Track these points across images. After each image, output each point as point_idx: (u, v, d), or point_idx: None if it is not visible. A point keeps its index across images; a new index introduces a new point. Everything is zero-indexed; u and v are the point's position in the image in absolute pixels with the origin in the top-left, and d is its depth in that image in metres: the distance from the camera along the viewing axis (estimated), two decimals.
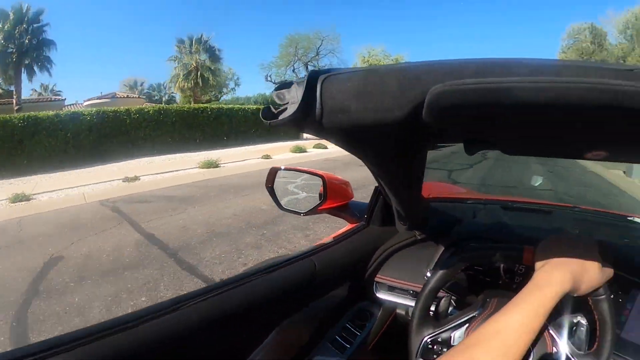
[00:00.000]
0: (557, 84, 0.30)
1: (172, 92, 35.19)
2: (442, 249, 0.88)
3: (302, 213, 1.05)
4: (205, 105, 16.40)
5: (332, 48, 29.39)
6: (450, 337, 0.67)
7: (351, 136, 0.43)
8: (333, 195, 1.03)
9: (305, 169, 1.11)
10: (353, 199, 1.10)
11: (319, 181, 1.08)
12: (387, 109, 0.35)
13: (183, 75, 24.96)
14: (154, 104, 16.97)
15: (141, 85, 40.30)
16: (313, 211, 1.03)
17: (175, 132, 12.56)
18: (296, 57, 28.96)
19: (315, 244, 0.96)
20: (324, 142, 10.42)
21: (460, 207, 1.12)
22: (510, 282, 0.80)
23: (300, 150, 12.20)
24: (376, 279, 0.94)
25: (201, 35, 25.87)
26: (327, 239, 0.97)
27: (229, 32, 63.77)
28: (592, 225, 1.05)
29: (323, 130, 0.38)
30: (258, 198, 5.35)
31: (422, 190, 0.83)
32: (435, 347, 0.67)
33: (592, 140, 0.43)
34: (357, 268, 0.93)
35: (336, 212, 1.06)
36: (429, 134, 0.45)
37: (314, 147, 13.02)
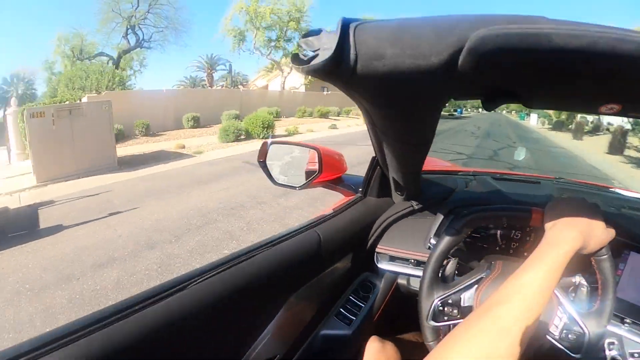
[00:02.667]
0: (590, 31, 0.32)
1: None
2: (441, 217, 0.90)
3: (297, 187, 1.03)
4: None
5: None
6: (460, 298, 0.69)
7: (382, 88, 0.42)
8: (328, 168, 1.02)
9: (297, 141, 1.09)
10: (346, 172, 1.10)
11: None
12: (424, 55, 0.35)
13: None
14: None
15: None
16: (307, 184, 1.02)
17: None
18: (120, 15, 20.59)
19: (316, 215, 0.95)
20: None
21: (451, 178, 1.14)
22: (506, 247, 0.84)
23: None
24: (377, 250, 0.95)
25: None
26: (327, 210, 0.96)
27: None
28: (576, 194, 1.08)
29: (355, 77, 0.37)
30: None
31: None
32: (445, 308, 0.69)
33: (610, 92, 0.45)
34: (358, 239, 0.94)
35: (331, 184, 1.06)
36: (453, 87, 0.45)
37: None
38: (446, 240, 0.72)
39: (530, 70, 0.39)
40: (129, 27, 22.07)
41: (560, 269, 0.49)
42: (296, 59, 0.38)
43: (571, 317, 0.61)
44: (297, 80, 24.68)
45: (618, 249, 0.72)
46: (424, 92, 0.46)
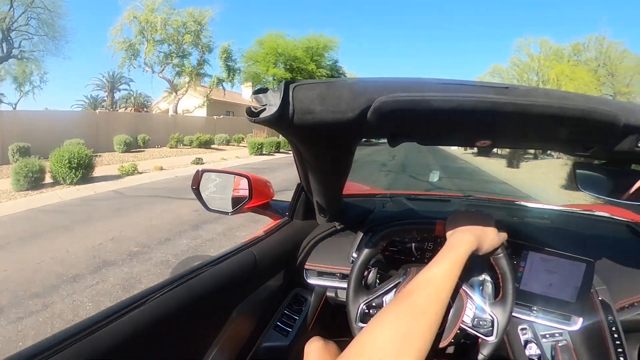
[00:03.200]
0: (458, 98, 0.44)
1: None
2: (361, 234, 1.00)
3: (229, 212, 1.09)
4: None
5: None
6: (383, 301, 0.79)
7: (312, 134, 0.53)
8: (257, 195, 1.09)
9: (229, 170, 1.15)
10: (273, 198, 1.18)
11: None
12: (342, 112, 0.46)
13: None
14: None
15: None
16: (239, 210, 1.08)
17: None
18: None
19: (250, 237, 1.01)
20: None
21: (370, 200, 1.27)
22: (421, 257, 0.97)
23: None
24: (306, 267, 1.04)
25: None
26: (259, 232, 1.04)
27: None
28: (483, 209, 1.23)
29: (292, 127, 0.47)
30: None
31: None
32: (370, 310, 0.79)
33: (480, 134, 0.59)
34: (288, 258, 1.03)
35: (260, 209, 1.13)
36: (365, 131, 0.57)
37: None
38: (365, 252, 0.84)
39: (418, 122, 0.53)
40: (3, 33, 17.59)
41: (460, 265, 0.59)
42: (249, 112, 0.48)
43: (480, 307, 0.71)
44: (191, 103, 22.33)
45: (519, 250, 0.86)
46: (342, 137, 0.59)
